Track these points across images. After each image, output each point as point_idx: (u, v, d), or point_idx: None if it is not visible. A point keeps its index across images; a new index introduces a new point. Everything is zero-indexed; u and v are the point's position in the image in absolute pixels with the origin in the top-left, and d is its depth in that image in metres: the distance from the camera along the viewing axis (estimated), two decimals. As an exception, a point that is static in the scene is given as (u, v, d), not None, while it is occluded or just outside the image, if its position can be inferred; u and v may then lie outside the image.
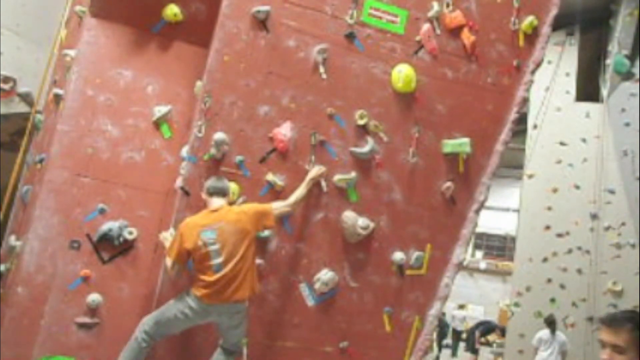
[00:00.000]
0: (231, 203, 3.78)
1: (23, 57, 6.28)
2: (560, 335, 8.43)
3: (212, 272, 3.46)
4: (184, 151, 3.96)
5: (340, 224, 4.11)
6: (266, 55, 4.02)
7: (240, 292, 3.50)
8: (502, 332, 11.19)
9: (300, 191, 3.88)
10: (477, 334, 11.50)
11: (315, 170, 3.99)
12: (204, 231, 3.50)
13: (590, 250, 9.85)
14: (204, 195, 3.71)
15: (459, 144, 4.34)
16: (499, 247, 23.32)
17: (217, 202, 3.65)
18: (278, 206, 3.78)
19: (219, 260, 3.46)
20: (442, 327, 14.84)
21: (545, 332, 8.43)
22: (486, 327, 11.86)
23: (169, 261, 3.58)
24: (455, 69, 4.40)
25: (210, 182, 3.71)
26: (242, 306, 3.59)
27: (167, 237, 3.74)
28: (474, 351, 11.66)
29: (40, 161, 4.36)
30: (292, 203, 3.83)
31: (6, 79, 6.08)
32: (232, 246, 3.50)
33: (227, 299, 3.47)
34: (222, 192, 3.69)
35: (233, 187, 3.85)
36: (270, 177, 3.96)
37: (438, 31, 4.37)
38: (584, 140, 10.33)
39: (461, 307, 16.45)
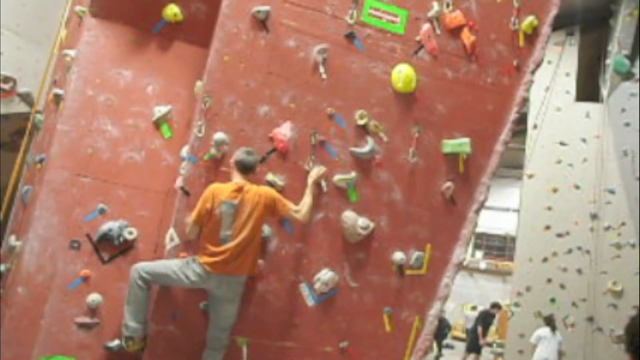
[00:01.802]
0: None
1: (23, 57, 6.28)
2: (558, 334, 8.48)
3: (219, 242, 3.61)
4: (184, 151, 3.96)
5: (340, 224, 4.11)
6: (266, 55, 4.02)
7: (243, 267, 3.67)
8: (499, 307, 11.35)
9: (308, 199, 3.89)
10: (479, 329, 11.41)
11: (315, 172, 3.99)
12: (225, 202, 3.63)
13: (590, 250, 9.85)
14: (231, 163, 3.80)
15: (459, 144, 4.34)
16: (499, 247, 23.33)
17: (239, 176, 3.75)
18: (293, 208, 3.82)
19: (228, 232, 3.62)
20: (443, 328, 14.87)
21: (544, 330, 8.49)
22: (485, 319, 11.75)
23: (189, 222, 3.69)
24: (455, 69, 4.40)
25: (240, 155, 3.77)
26: (241, 279, 3.72)
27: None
28: (477, 350, 11.56)
29: (40, 161, 4.36)
30: (305, 213, 3.84)
31: (6, 79, 6.08)
32: (242, 223, 3.64)
33: (230, 272, 3.62)
34: (244, 166, 3.76)
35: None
36: (270, 177, 3.96)
37: (438, 31, 4.37)
38: (584, 140, 10.33)
39: (473, 308, 17.35)
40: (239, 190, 3.69)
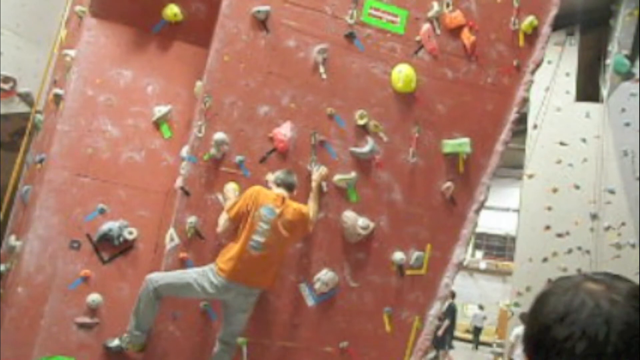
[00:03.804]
0: None
1: (23, 57, 6.27)
2: None
3: (249, 247, 3.50)
4: (184, 151, 3.96)
5: (340, 224, 4.10)
6: (266, 55, 4.02)
7: (265, 280, 3.62)
8: (453, 295, 11.29)
9: (315, 205, 3.89)
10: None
11: (317, 175, 3.99)
12: (266, 207, 3.56)
13: (590, 250, 9.85)
14: (270, 184, 3.81)
15: (459, 144, 4.33)
16: (499, 247, 23.32)
17: (281, 192, 3.72)
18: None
19: (260, 239, 3.52)
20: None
21: (520, 328, 8.66)
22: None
23: (223, 217, 3.62)
24: (455, 69, 4.40)
25: (280, 174, 3.79)
26: (259, 290, 3.67)
27: (228, 190, 3.80)
28: (442, 345, 11.49)
29: (40, 161, 4.36)
30: (314, 222, 3.87)
31: (6, 79, 6.07)
32: (278, 236, 3.57)
33: (251, 282, 3.55)
34: (288, 185, 3.76)
35: (233, 186, 3.86)
36: (270, 177, 3.96)
37: (438, 31, 4.37)
38: (584, 140, 10.34)
39: (480, 307, 18.39)
40: (282, 200, 3.64)
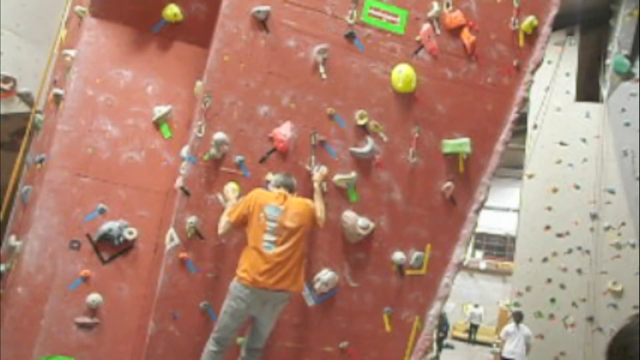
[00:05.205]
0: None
1: (23, 57, 6.27)
2: (525, 328, 8.74)
3: (262, 248, 3.49)
4: (184, 151, 3.96)
5: (340, 224, 4.11)
6: (266, 55, 4.02)
7: (286, 281, 3.53)
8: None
9: (321, 205, 3.87)
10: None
11: (319, 175, 3.98)
12: (270, 206, 3.57)
13: (590, 250, 9.85)
14: (270, 187, 3.82)
15: (459, 144, 4.34)
16: (499, 247, 23.34)
17: (282, 191, 3.72)
18: (317, 215, 3.81)
19: (272, 238, 3.52)
20: (442, 326, 15.00)
21: (510, 326, 8.72)
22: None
23: (224, 220, 3.63)
24: (455, 69, 4.40)
25: (278, 177, 3.80)
26: (287, 295, 3.61)
27: (228, 190, 3.81)
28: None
29: (40, 161, 4.36)
30: (325, 220, 3.84)
31: (6, 79, 6.07)
32: (288, 232, 3.56)
33: (272, 286, 3.48)
34: (288, 186, 3.76)
35: (233, 186, 3.86)
36: (270, 177, 3.96)
37: (438, 31, 4.37)
38: (584, 140, 10.33)
39: (476, 306, 19.21)
40: (284, 197, 3.65)
